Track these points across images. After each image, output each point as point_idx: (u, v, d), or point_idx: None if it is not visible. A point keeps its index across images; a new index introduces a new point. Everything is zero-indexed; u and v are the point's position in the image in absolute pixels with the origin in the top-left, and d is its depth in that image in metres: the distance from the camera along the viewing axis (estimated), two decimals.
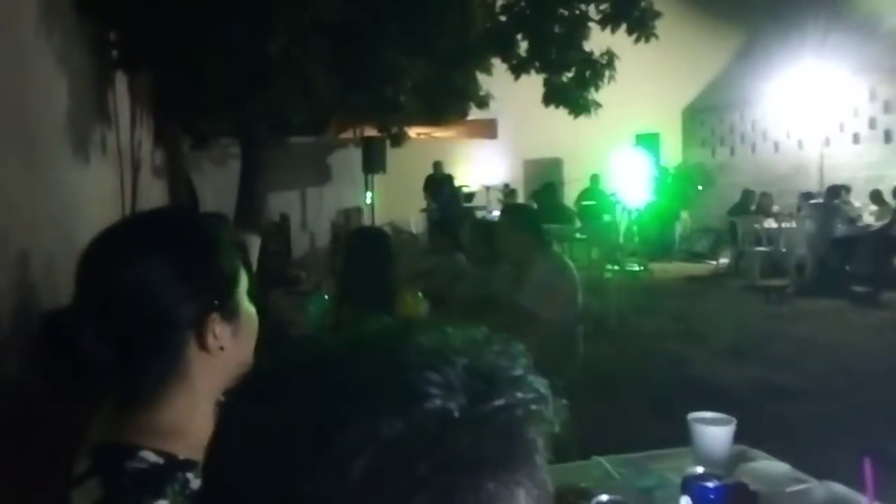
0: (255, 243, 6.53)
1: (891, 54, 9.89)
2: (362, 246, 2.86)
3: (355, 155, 11.79)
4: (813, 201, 9.46)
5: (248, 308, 0.92)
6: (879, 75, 10.25)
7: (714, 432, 1.48)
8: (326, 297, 2.92)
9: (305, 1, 5.35)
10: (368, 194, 11.70)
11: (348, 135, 12.22)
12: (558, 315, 3.00)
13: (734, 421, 1.50)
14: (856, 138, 10.90)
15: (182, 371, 0.85)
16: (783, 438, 2.15)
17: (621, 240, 10.13)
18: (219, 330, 0.86)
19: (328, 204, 12.07)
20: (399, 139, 8.79)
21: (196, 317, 0.85)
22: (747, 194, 10.28)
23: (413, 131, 9.76)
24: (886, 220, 8.66)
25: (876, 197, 9.41)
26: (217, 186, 8.70)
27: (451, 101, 7.83)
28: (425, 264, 5.54)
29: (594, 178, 11.53)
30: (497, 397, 0.36)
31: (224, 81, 5.45)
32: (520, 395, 0.37)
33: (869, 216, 9.22)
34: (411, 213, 11.80)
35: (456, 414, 0.35)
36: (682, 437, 1.53)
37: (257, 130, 6.90)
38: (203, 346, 0.85)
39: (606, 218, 10.29)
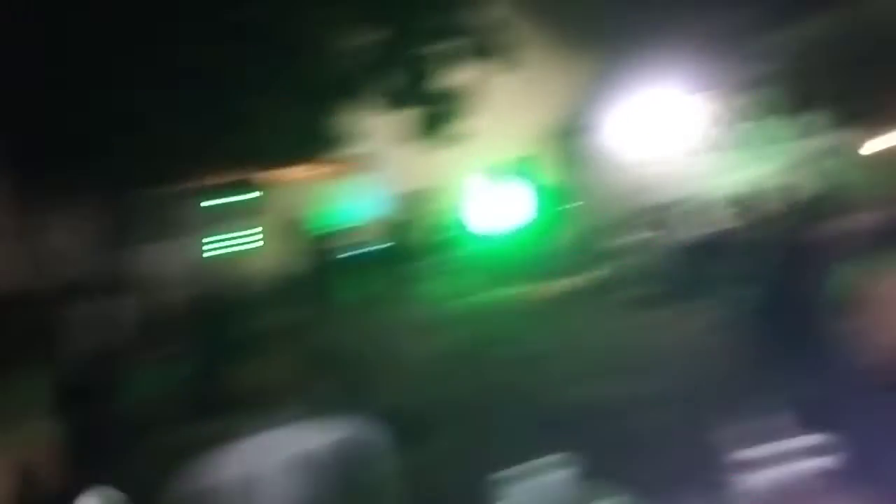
0: None
1: (726, 70, 11.05)
2: None
3: (222, 203, 11.42)
4: (661, 214, 10.28)
5: None
6: (714, 91, 11.46)
7: None
8: None
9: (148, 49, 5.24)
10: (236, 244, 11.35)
11: (215, 180, 11.85)
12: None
13: None
14: (697, 151, 12.05)
15: None
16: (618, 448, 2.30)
17: (488, 266, 10.38)
18: None
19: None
20: (264, 184, 8.68)
21: None
22: (632, 214, 10.90)
23: (279, 174, 9.63)
24: (724, 228, 9.55)
25: (714, 207, 10.39)
26: (73, 247, 8.16)
27: (317, 140, 7.84)
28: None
29: (452, 209, 11.66)
30: None
31: (68, 135, 5.20)
32: None
33: (710, 225, 10.15)
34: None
35: None
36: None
37: (114, 184, 6.60)
38: None
39: (472, 245, 10.50)
